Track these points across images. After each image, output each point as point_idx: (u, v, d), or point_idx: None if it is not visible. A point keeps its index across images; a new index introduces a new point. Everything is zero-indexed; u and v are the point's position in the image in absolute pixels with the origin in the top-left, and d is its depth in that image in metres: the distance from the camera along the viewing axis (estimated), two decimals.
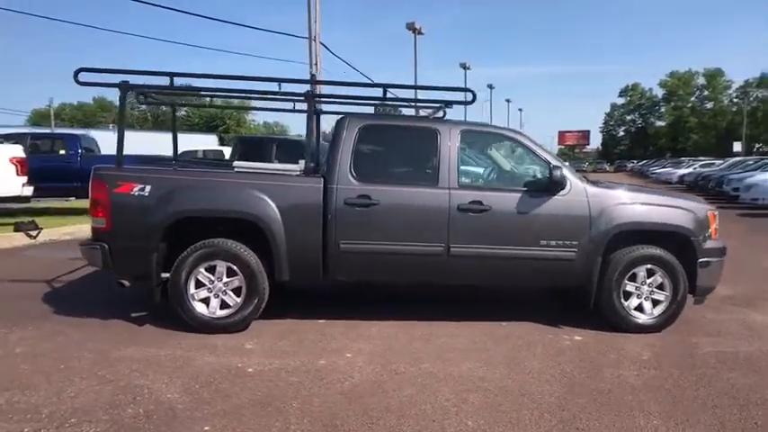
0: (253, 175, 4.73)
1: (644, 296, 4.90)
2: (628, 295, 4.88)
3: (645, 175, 44.14)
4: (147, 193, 4.54)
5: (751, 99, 68.66)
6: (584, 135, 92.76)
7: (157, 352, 4.20)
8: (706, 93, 77.19)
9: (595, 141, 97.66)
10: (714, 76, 74.69)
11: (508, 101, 63.07)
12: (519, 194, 4.77)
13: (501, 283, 5.10)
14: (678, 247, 4.87)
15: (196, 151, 18.06)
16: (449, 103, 5.18)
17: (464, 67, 39.48)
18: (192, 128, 58.11)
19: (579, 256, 4.78)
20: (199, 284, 4.63)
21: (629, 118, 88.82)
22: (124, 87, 4.75)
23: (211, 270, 4.63)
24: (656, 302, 4.91)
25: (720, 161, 30.04)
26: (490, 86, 48.90)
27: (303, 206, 4.65)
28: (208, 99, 6.08)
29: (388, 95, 5.13)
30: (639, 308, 4.90)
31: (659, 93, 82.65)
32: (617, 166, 70.96)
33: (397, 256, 4.72)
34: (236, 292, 4.66)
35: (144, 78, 4.97)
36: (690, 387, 3.75)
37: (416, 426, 3.13)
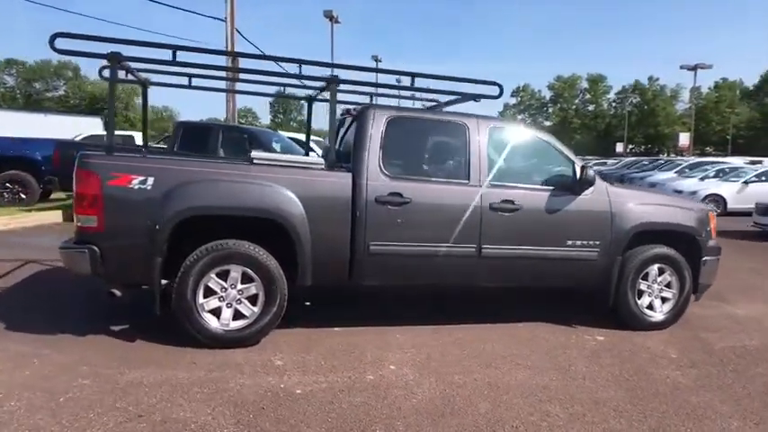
0: (275, 168, 4.18)
1: (654, 294, 5.02)
2: (640, 294, 4.97)
3: None
4: (149, 187, 3.85)
5: (626, 104, 75.57)
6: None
7: (174, 374, 3.58)
8: (588, 96, 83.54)
9: None
10: (596, 81, 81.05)
11: (413, 97, 63.60)
12: (547, 193, 4.67)
13: (527, 284, 4.97)
14: (684, 246, 5.03)
15: (102, 136, 16.30)
16: (476, 97, 4.94)
17: (375, 59, 39.44)
18: (72, 109, 52.72)
19: (601, 256, 4.78)
20: (208, 293, 4.04)
21: (520, 117, 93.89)
22: (114, 59, 3.99)
23: (223, 276, 4.05)
24: (664, 300, 5.04)
25: (614, 160, 32.57)
26: (398, 81, 48.99)
27: (331, 204, 4.20)
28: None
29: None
30: (650, 306, 5.01)
31: (547, 94, 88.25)
32: None
33: (428, 258, 4.43)
34: (252, 300, 4.12)
35: (131, 50, 4.18)
36: (735, 384, 3.85)
37: None
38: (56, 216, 9.88)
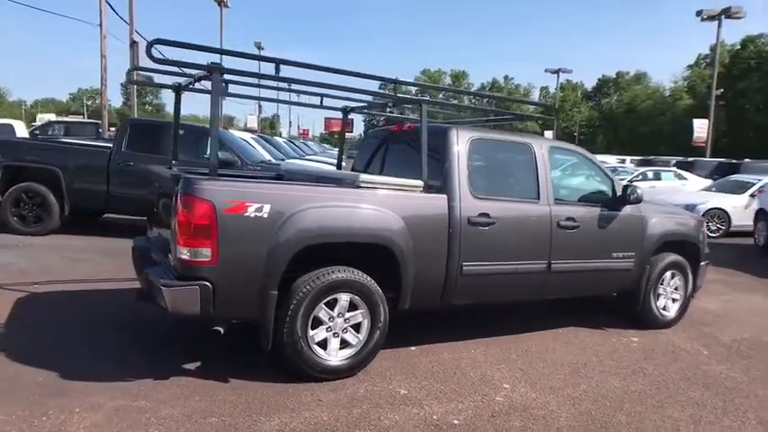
0: (383, 192, 4.05)
1: (668, 297, 5.69)
2: (658, 297, 5.60)
3: None
4: (265, 215, 3.53)
5: (484, 101, 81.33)
6: (349, 122, 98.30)
7: (315, 416, 3.37)
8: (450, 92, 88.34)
9: (359, 128, 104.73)
10: (459, 77, 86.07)
11: (290, 86, 62.11)
12: (597, 210, 5.06)
13: (580, 294, 5.36)
14: (689, 253, 5.76)
15: None
16: (536, 119, 5.14)
17: (258, 47, 37.99)
18: None
19: (635, 265, 5.31)
20: (315, 323, 3.83)
21: (388, 109, 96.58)
22: (216, 70, 3.57)
23: (330, 305, 3.86)
24: (674, 301, 5.74)
25: None
26: (277, 70, 47.43)
27: (432, 227, 4.18)
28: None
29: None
30: (664, 307, 5.68)
31: (413, 88, 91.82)
32: None
33: (509, 275, 4.59)
34: (355, 328, 3.98)
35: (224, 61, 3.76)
36: None
37: None
38: None
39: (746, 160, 19.66)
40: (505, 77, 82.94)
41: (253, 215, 3.50)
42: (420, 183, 4.21)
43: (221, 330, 3.64)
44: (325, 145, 47.36)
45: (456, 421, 3.43)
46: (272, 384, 3.77)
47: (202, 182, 3.45)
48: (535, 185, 4.77)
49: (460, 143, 4.44)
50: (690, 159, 20.98)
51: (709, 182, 16.32)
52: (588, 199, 5.14)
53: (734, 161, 19.74)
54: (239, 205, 3.47)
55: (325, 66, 3.95)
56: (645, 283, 5.42)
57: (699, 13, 24.44)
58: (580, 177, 5.36)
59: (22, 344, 4.25)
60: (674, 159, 21.35)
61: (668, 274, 5.62)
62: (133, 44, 16.61)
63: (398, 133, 5.18)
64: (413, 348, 4.62)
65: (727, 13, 23.68)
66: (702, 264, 5.91)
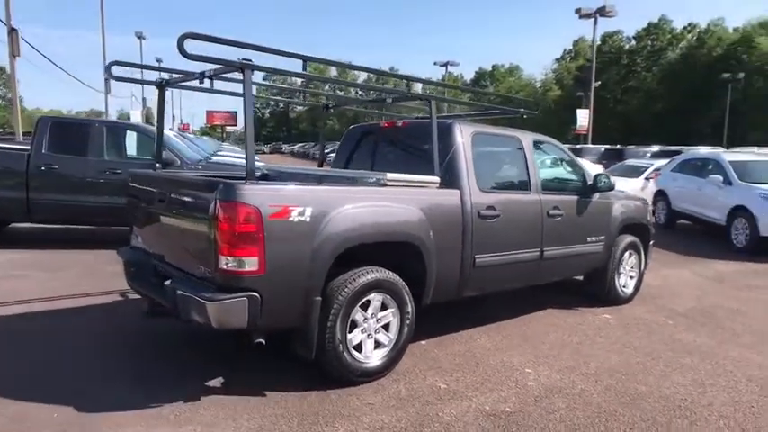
0: (409, 189, 4.01)
1: (627, 275, 6.24)
2: (619, 275, 6.13)
3: (313, 158, 48.29)
4: (308, 218, 3.38)
5: (370, 93, 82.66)
6: (232, 116, 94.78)
7: (375, 420, 3.32)
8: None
9: (243, 122, 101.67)
10: (344, 68, 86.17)
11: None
12: (575, 198, 5.41)
13: (561, 278, 5.68)
14: (640, 234, 6.35)
15: None
16: (522, 114, 5.35)
17: (139, 36, 35.40)
18: None
19: (603, 248, 5.77)
20: (351, 326, 3.75)
21: (272, 103, 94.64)
22: (247, 67, 3.32)
23: (364, 306, 3.80)
24: (631, 278, 6.31)
25: None
26: (158, 60, 44.28)
27: (449, 222, 4.23)
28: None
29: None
30: (624, 285, 6.23)
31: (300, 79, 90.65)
32: (273, 148, 75.18)
33: (511, 265, 4.78)
34: (385, 327, 3.96)
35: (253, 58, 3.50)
36: (736, 337, 5.14)
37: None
38: None
39: (629, 147, 21.87)
40: (391, 68, 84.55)
41: (296, 219, 3.34)
42: (436, 179, 4.25)
43: (263, 342, 3.45)
44: (213, 139, 45.42)
45: (508, 409, 3.54)
46: (311, 393, 3.64)
47: (246, 186, 3.21)
48: (526, 177, 5.00)
49: (465, 137, 4.53)
50: (578, 146, 22.93)
51: (599, 167, 17.88)
52: (566, 188, 5.48)
53: (618, 147, 21.88)
54: (283, 210, 3.29)
55: (356, 65, 3.83)
56: (611, 264, 5.91)
57: (578, 11, 26.73)
58: (557, 168, 5.70)
59: (7, 378, 3.71)
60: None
61: (627, 254, 6.16)
62: (12, 31, 14.83)
63: (390, 129, 5.15)
64: (423, 342, 4.66)
65: (602, 11, 26.17)
66: (652, 242, 6.55)
